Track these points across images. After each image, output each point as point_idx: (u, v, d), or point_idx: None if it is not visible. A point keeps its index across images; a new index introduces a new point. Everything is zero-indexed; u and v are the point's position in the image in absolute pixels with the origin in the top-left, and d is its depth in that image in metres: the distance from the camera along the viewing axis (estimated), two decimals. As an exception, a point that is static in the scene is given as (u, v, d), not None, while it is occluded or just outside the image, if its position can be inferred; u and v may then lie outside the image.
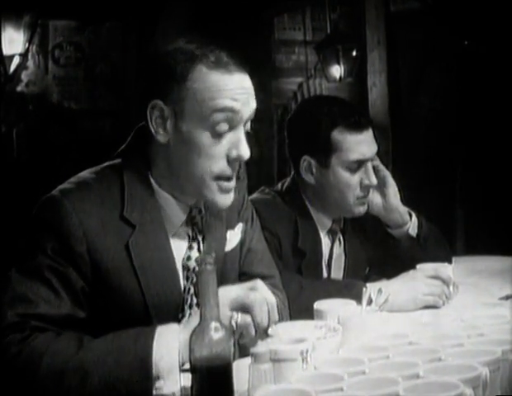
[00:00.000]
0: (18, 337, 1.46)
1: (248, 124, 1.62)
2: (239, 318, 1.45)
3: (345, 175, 2.22)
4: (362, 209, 2.27)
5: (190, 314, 1.63)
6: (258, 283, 1.52)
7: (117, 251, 1.57)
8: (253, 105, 1.59)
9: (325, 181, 2.24)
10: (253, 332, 1.47)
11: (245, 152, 1.58)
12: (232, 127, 1.57)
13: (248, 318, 1.46)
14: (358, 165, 2.22)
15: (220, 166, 1.57)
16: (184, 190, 1.63)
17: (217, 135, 1.56)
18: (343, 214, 2.33)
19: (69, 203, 1.54)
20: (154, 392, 1.42)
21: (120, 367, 1.42)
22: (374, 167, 2.29)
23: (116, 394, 1.41)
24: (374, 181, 2.23)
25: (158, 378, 1.42)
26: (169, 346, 1.43)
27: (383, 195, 2.34)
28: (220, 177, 1.58)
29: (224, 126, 1.55)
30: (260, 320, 1.46)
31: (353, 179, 2.22)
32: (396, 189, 2.35)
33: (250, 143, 1.60)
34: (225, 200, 1.62)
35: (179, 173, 1.60)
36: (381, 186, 2.33)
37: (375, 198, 2.34)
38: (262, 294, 1.49)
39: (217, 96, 1.54)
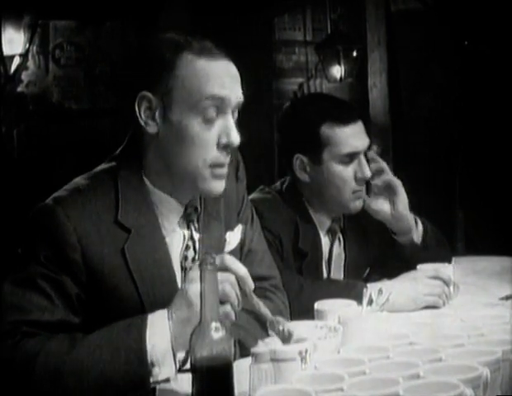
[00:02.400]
0: (9, 343, 1.46)
1: (236, 114, 1.62)
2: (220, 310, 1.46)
3: (339, 169, 2.21)
4: (358, 204, 2.26)
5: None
6: (226, 258, 1.49)
7: (113, 256, 1.57)
8: (239, 92, 1.61)
9: (320, 178, 2.23)
10: (233, 318, 1.47)
11: (235, 138, 1.58)
12: (221, 113, 1.58)
13: (227, 308, 1.46)
14: (351, 158, 2.21)
15: (213, 153, 1.58)
16: (178, 183, 1.63)
17: (207, 122, 1.57)
18: (341, 211, 2.31)
19: (63, 210, 1.54)
20: (151, 379, 1.43)
21: (115, 359, 1.43)
22: (385, 181, 2.27)
23: (113, 387, 1.42)
24: (368, 173, 2.22)
25: (153, 365, 1.43)
26: (161, 332, 1.44)
27: (392, 203, 2.31)
28: (213, 165, 1.59)
29: (212, 112, 1.57)
30: (238, 304, 1.47)
31: (347, 172, 2.21)
32: (406, 198, 2.32)
33: (240, 130, 1.61)
34: (218, 186, 1.62)
35: (172, 165, 1.60)
36: (391, 195, 2.31)
37: (383, 206, 2.30)
38: (232, 276, 1.47)
39: (205, 82, 1.55)
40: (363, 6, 5.55)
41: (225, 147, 1.58)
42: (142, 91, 1.57)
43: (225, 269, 1.47)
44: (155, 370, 1.43)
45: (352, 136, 2.20)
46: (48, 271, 1.52)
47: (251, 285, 1.49)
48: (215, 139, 1.58)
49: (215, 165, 1.59)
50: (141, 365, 1.42)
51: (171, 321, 1.45)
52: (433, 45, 5.28)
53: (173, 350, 1.44)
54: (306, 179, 2.25)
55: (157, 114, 1.58)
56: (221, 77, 1.57)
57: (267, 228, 2.11)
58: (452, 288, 2.11)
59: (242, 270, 1.49)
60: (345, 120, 2.21)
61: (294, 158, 2.25)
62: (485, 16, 4.67)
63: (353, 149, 2.20)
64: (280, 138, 2.38)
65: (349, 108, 2.31)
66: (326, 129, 2.20)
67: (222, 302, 1.44)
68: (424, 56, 5.37)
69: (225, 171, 1.61)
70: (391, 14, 5.51)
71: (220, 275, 1.42)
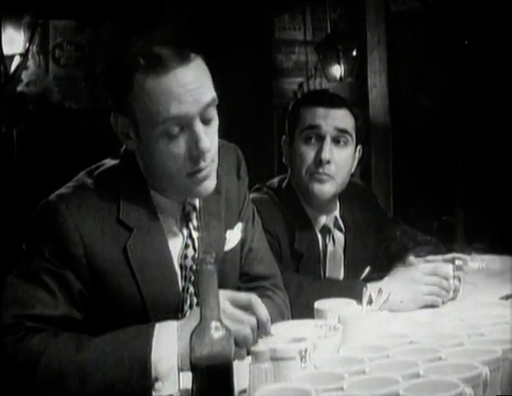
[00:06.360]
0: (13, 338, 1.46)
1: (211, 112, 1.57)
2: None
3: (302, 147, 2.24)
4: (317, 187, 2.21)
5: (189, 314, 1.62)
6: (253, 300, 1.51)
7: (115, 254, 1.57)
8: (204, 97, 1.54)
9: (291, 158, 2.28)
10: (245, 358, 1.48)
11: (205, 145, 1.54)
12: (186, 126, 1.54)
13: (243, 351, 1.47)
14: (316, 137, 2.22)
15: (186, 166, 1.56)
16: (165, 190, 1.64)
17: (172, 138, 1.54)
18: (310, 196, 2.25)
19: (66, 207, 1.55)
20: (153, 393, 1.42)
21: (119, 367, 1.42)
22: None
23: (115, 394, 1.41)
24: (326, 156, 2.19)
25: (156, 379, 1.42)
26: (168, 347, 1.44)
27: None
28: (191, 174, 1.57)
29: (175, 130, 1.53)
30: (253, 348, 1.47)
31: (308, 152, 2.22)
32: None
33: (209, 133, 1.56)
34: (205, 187, 1.60)
35: (155, 175, 1.62)
36: None
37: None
38: (255, 319, 1.48)
39: (160, 104, 1.51)
40: (363, 6, 5.54)
41: (197, 156, 1.55)
42: (114, 111, 1.59)
43: (250, 308, 1.49)
44: (158, 385, 1.43)
45: (320, 115, 2.23)
46: (52, 265, 1.52)
47: (269, 330, 1.50)
48: (184, 152, 1.55)
49: (193, 173, 1.57)
50: (144, 377, 1.42)
51: (180, 332, 1.45)
52: (433, 45, 5.28)
53: (178, 366, 1.43)
54: (287, 161, 2.32)
55: (131, 132, 1.58)
56: (176, 93, 1.51)
57: (266, 228, 2.11)
58: (453, 282, 2.10)
59: (266, 315, 1.50)
60: (319, 102, 2.25)
61: (282, 139, 2.33)
62: (485, 16, 4.68)
63: (313, 122, 2.22)
64: None
65: (332, 95, 2.37)
66: (303, 111, 2.26)
67: (238, 345, 1.44)
68: (424, 56, 5.38)
69: (205, 173, 1.58)
70: (390, 14, 5.51)
71: (244, 316, 1.46)
